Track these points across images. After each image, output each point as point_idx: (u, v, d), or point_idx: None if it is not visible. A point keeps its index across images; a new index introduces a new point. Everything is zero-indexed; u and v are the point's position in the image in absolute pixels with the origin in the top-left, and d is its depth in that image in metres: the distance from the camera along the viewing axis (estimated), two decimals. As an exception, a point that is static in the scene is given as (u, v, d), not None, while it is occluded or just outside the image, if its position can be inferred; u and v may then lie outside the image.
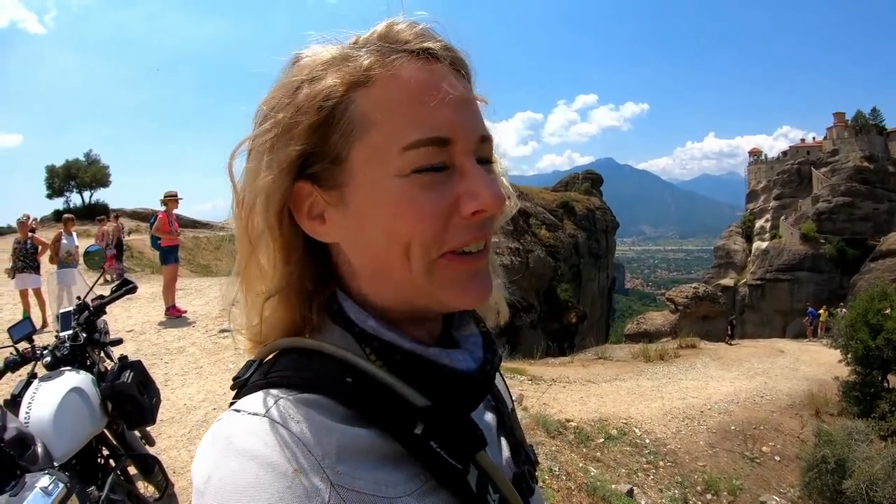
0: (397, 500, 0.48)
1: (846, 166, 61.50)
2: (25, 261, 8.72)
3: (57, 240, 9.18)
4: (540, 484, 0.70)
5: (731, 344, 19.65)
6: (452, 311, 0.60)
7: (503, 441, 0.67)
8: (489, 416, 0.67)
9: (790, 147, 76.02)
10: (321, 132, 0.51)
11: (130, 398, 2.39)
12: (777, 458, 8.20)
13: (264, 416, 0.47)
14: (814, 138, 75.79)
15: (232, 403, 0.53)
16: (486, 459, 0.56)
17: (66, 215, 10.47)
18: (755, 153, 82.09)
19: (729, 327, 23.49)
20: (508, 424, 0.69)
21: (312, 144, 0.52)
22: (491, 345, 0.62)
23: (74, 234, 9.61)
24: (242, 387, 0.54)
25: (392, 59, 0.51)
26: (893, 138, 63.30)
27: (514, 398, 0.79)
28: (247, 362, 0.58)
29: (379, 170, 0.51)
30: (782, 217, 65.15)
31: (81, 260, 5.62)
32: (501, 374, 0.75)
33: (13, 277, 8.78)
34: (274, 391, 0.50)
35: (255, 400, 0.50)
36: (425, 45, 0.53)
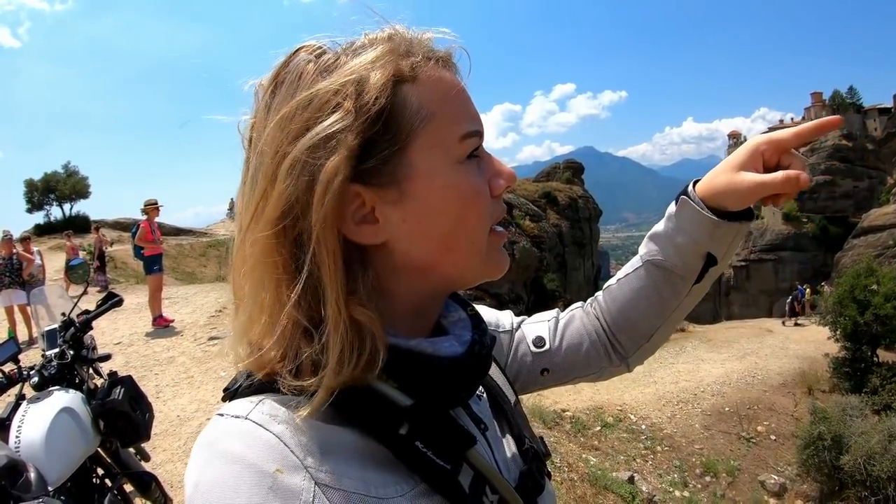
0: (389, 500, 0.47)
1: (825, 145, 62.32)
2: (12, 277, 8.57)
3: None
4: (552, 479, 0.69)
5: (798, 324, 18.09)
6: (481, 282, 0.61)
7: (508, 437, 0.66)
8: (492, 412, 0.67)
9: (768, 128, 76.81)
10: (384, 123, 0.50)
11: (122, 415, 2.33)
12: (773, 437, 8.31)
13: (245, 418, 0.47)
14: (792, 119, 76.86)
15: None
16: (480, 459, 0.54)
17: (22, 234, 10.20)
18: (734, 136, 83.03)
19: (795, 303, 19.83)
20: (512, 419, 0.68)
21: (370, 138, 0.50)
22: (479, 325, 0.62)
23: (37, 251, 9.45)
24: (233, 396, 0.54)
25: (431, 62, 0.55)
26: (871, 116, 64.22)
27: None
28: (238, 373, 0.56)
29: (443, 157, 0.53)
30: (764, 198, 65.88)
31: (55, 276, 5.37)
32: (500, 367, 0.75)
33: None
34: (258, 395, 0.50)
35: (238, 404, 0.50)
36: (444, 53, 0.57)
